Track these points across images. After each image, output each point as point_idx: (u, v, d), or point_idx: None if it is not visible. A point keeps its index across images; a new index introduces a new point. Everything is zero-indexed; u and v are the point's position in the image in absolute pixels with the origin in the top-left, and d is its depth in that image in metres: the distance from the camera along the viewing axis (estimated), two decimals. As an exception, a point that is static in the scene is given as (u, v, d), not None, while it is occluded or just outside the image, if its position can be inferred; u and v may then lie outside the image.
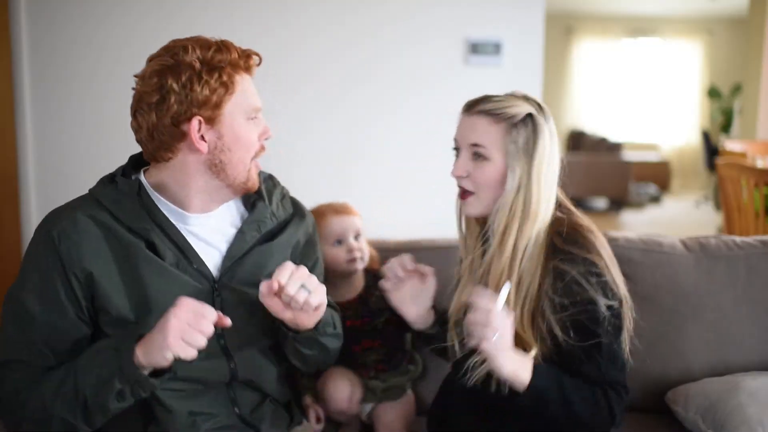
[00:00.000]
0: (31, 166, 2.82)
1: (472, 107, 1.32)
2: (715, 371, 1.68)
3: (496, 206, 1.30)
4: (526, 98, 1.32)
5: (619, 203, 7.61)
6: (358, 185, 2.85)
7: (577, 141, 8.92)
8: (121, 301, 1.18)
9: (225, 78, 1.19)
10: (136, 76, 1.23)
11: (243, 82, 1.22)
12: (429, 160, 2.84)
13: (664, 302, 1.71)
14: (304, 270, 1.19)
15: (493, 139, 1.29)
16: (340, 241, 1.64)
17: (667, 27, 9.62)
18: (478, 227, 1.39)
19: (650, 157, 9.22)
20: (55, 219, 1.19)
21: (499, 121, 1.29)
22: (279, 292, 1.17)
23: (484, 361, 1.20)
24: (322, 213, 1.66)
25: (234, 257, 1.26)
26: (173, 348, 1.06)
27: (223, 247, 1.27)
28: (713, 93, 9.01)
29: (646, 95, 9.80)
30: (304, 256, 1.39)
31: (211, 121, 1.19)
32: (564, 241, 1.27)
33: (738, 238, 1.78)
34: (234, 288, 1.25)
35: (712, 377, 1.64)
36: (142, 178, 1.25)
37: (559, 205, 1.35)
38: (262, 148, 1.28)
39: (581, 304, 1.24)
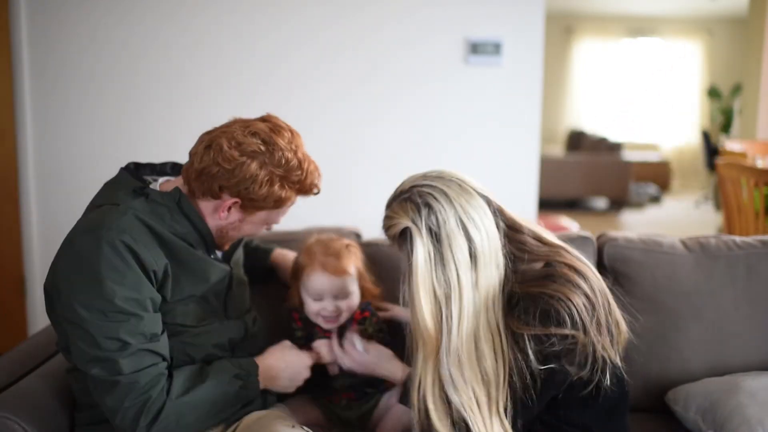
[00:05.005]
0: (31, 166, 2.82)
1: None
2: (715, 371, 1.68)
3: None
4: (416, 198, 1.22)
5: (619, 203, 7.61)
6: (358, 184, 2.85)
7: (577, 141, 8.92)
8: (176, 290, 1.32)
9: (284, 195, 1.33)
10: (226, 134, 1.30)
11: (293, 202, 1.38)
12: (429, 159, 2.84)
13: (664, 302, 1.71)
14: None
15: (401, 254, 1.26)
16: (317, 298, 1.56)
17: (667, 27, 9.62)
18: None
19: (650, 157, 9.22)
20: (115, 227, 1.23)
21: (389, 239, 1.28)
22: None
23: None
24: (311, 259, 1.56)
25: (232, 249, 1.51)
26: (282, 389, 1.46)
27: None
28: (713, 93, 9.01)
29: (646, 95, 9.79)
30: None
31: (244, 209, 1.33)
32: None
33: (738, 238, 1.78)
34: (234, 269, 1.49)
35: (712, 377, 1.64)
36: (182, 188, 1.34)
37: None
38: None
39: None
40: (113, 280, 1.20)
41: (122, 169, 1.38)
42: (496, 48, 2.79)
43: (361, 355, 1.50)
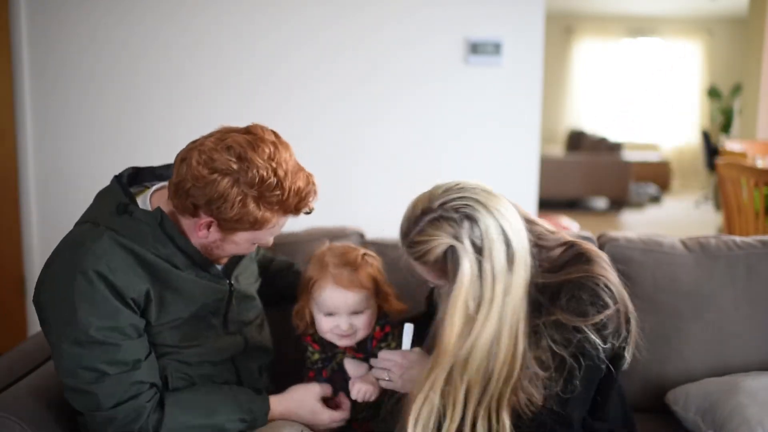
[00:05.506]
0: (31, 166, 2.82)
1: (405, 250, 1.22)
2: (714, 371, 1.68)
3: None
4: (452, 214, 1.15)
5: (619, 203, 7.61)
6: (358, 184, 2.85)
7: (577, 141, 8.91)
8: (162, 312, 1.27)
9: (262, 216, 1.21)
10: (200, 147, 1.20)
11: (276, 223, 1.25)
12: (429, 159, 2.84)
13: (664, 302, 1.71)
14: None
15: (433, 278, 1.23)
16: (330, 314, 1.44)
17: (667, 27, 9.62)
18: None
19: (650, 157, 9.22)
20: (90, 254, 1.18)
21: (424, 264, 1.19)
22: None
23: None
24: (323, 270, 1.43)
25: (235, 261, 1.43)
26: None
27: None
28: (713, 93, 9.01)
29: (646, 95, 9.79)
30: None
31: (221, 228, 1.23)
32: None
33: (738, 238, 1.78)
34: (239, 284, 1.42)
35: (711, 377, 1.64)
36: (163, 208, 1.26)
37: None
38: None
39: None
40: (87, 311, 1.16)
41: (114, 178, 1.30)
42: (496, 48, 2.78)
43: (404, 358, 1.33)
